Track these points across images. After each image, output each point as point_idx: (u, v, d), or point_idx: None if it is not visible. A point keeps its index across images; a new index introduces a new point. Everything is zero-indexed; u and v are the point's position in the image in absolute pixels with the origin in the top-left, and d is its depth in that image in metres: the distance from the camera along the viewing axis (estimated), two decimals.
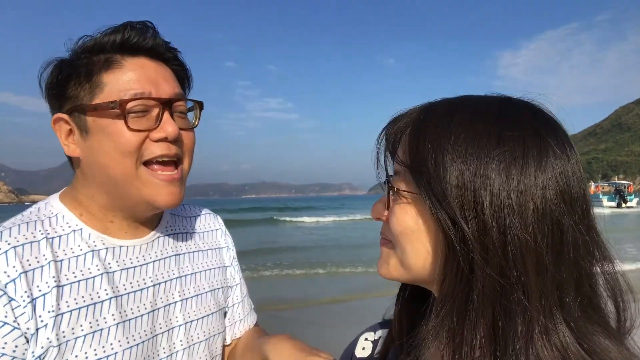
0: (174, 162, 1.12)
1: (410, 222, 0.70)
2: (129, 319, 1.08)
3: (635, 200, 49.28)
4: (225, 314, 1.38)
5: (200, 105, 1.20)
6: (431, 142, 0.65)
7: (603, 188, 59.82)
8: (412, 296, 0.86)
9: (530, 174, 0.60)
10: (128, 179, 1.06)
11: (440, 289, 0.65)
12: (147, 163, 1.08)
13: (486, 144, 0.62)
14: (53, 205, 1.12)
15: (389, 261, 0.76)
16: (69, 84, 1.07)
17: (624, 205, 46.97)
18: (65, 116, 1.08)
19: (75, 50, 1.10)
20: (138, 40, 1.08)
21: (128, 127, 1.03)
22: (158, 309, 1.15)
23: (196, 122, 1.19)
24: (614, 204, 47.81)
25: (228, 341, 1.41)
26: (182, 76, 1.20)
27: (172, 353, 1.16)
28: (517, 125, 0.63)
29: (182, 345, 1.18)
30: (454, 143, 0.63)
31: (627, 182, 56.74)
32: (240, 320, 1.44)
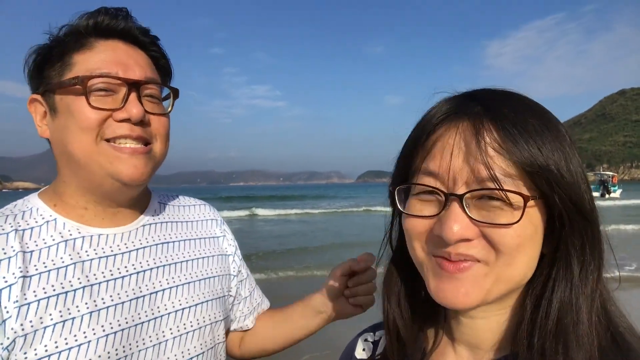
0: (144, 143, 1.11)
1: (530, 230, 0.68)
2: (105, 307, 1.05)
3: (619, 191, 49.88)
4: (226, 301, 1.36)
5: (175, 92, 1.20)
6: (551, 143, 0.67)
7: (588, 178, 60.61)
8: (416, 305, 0.85)
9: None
10: (88, 155, 1.05)
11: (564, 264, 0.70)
12: (110, 141, 1.07)
13: (568, 141, 0.70)
14: (30, 201, 1.12)
15: (482, 284, 0.70)
16: (45, 66, 1.09)
17: (607, 196, 47.59)
18: (38, 97, 1.10)
19: (54, 36, 1.11)
20: (110, 22, 1.09)
21: (89, 103, 1.03)
22: (143, 296, 1.12)
23: (169, 109, 1.18)
24: (597, 194, 48.49)
25: (249, 326, 1.47)
26: (161, 64, 1.20)
27: (161, 342, 1.13)
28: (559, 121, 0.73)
29: (172, 333, 1.15)
30: (564, 144, 0.69)
31: (611, 173, 57.43)
32: (251, 312, 1.49)
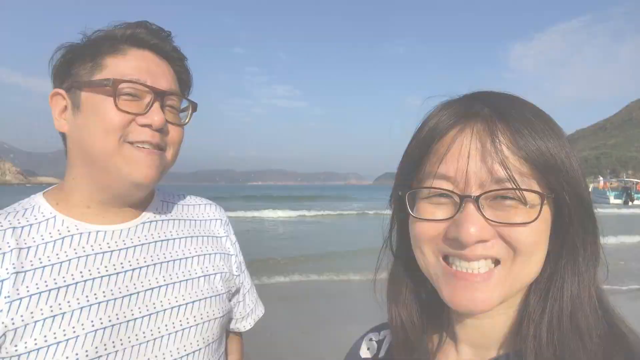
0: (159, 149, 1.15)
1: (543, 227, 0.70)
2: (97, 303, 1.07)
3: None
4: (227, 299, 1.37)
5: (194, 106, 1.26)
6: (556, 141, 0.69)
7: (611, 184, 59.34)
8: (420, 306, 0.86)
9: None
10: (108, 155, 1.08)
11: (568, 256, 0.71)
12: (131, 144, 1.11)
13: (566, 139, 0.71)
14: (34, 199, 1.16)
15: (501, 287, 0.70)
16: (75, 63, 1.13)
17: (631, 203, 46.47)
18: (62, 91, 1.14)
19: (88, 37, 1.16)
20: (146, 36, 1.16)
21: (116, 105, 1.07)
22: (137, 293, 1.14)
23: (187, 121, 1.25)
24: (620, 201, 47.48)
25: (247, 327, 1.51)
26: (183, 79, 1.27)
27: (156, 338, 1.15)
28: None
29: (167, 330, 1.16)
30: (565, 142, 0.70)
31: (636, 180, 55.97)
32: (249, 314, 1.51)
